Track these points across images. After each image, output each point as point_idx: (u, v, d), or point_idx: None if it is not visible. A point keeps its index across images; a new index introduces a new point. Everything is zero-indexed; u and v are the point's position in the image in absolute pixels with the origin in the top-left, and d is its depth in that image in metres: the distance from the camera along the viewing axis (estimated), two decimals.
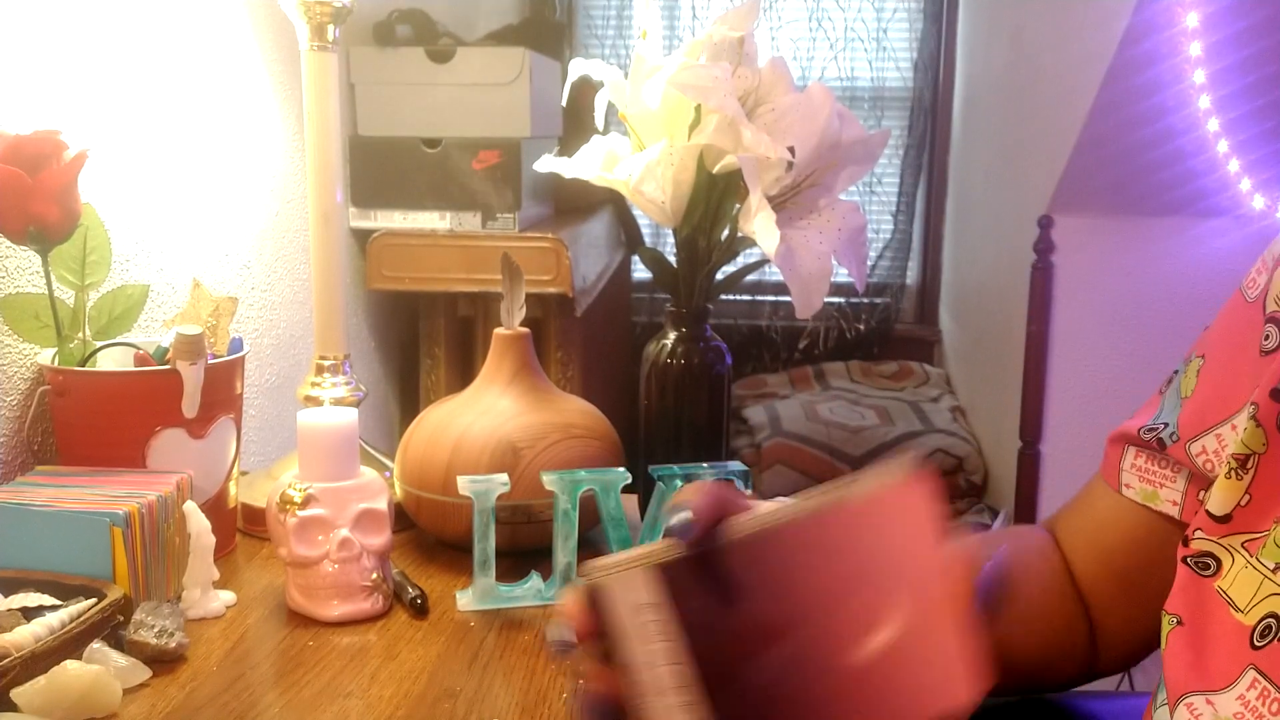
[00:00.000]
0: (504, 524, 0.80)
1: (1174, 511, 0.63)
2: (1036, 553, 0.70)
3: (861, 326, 3.01)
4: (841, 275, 0.84)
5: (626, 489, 0.79)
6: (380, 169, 1.51)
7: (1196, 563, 0.56)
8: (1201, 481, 0.61)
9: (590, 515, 0.80)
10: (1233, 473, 0.55)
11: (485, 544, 0.76)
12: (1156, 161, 2.02)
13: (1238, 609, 0.52)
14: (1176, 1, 1.75)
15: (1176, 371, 0.66)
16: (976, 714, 0.67)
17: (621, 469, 0.79)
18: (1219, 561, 0.54)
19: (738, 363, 2.94)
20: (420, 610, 0.76)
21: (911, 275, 3.09)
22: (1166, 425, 0.63)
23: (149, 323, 1.00)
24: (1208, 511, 0.56)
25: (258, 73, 1.23)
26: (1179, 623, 0.55)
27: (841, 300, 2.98)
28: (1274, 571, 0.51)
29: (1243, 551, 0.53)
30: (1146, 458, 0.65)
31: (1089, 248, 2.22)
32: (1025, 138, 2.37)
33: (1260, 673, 0.49)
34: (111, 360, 0.85)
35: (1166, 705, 0.54)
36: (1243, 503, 0.54)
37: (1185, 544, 0.57)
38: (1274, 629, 0.49)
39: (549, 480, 0.76)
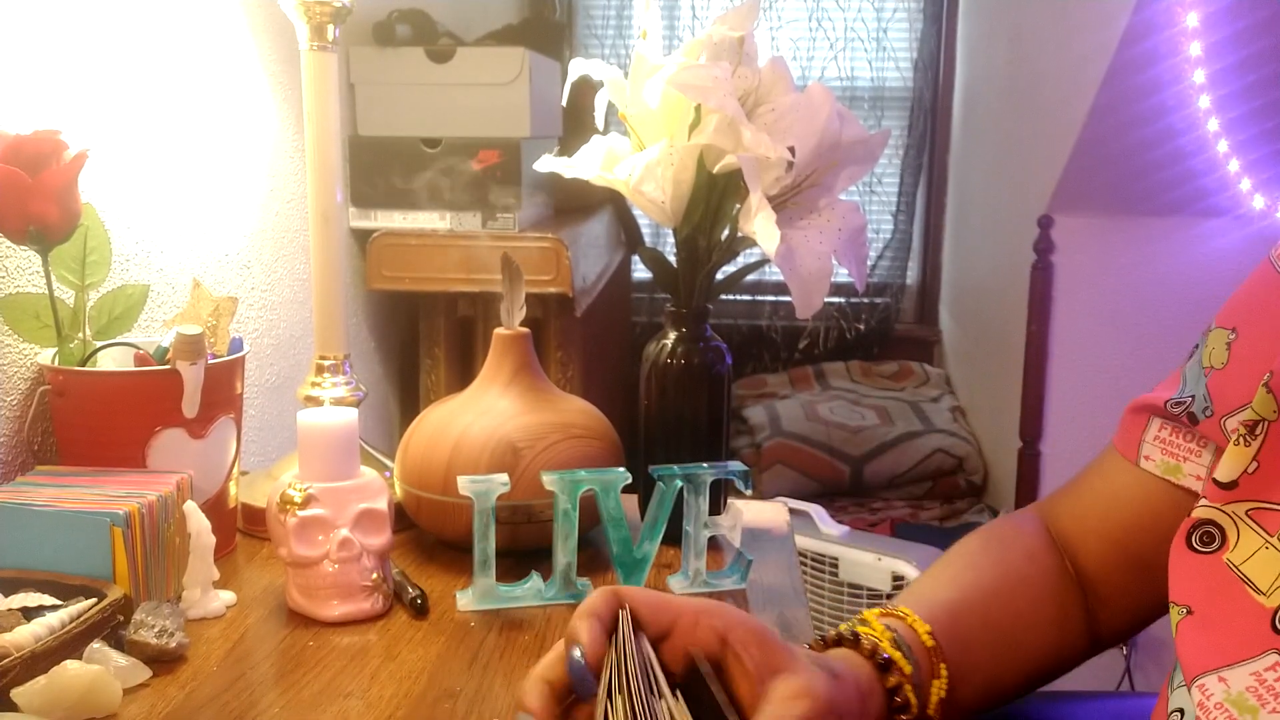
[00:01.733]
0: (504, 524, 0.80)
1: (1197, 486, 0.62)
2: (1024, 559, 0.69)
3: (861, 326, 3.01)
4: (841, 275, 0.84)
5: (626, 489, 0.79)
6: (380, 169, 1.51)
7: (1200, 537, 0.55)
8: None
9: (590, 515, 0.80)
10: (1241, 439, 0.53)
11: (485, 544, 0.76)
12: (1156, 161, 2.02)
13: (1259, 591, 0.51)
14: (1176, 1, 1.75)
15: (1197, 346, 0.65)
16: (980, 718, 0.67)
17: (621, 469, 0.79)
18: (1223, 532, 0.54)
19: (738, 363, 2.94)
20: (420, 610, 0.76)
21: (911, 275, 3.09)
22: (1194, 398, 0.62)
23: (149, 323, 1.00)
24: (1214, 479, 0.55)
25: (257, 73, 1.23)
26: (1189, 612, 0.54)
27: (841, 300, 2.98)
28: None
29: (1249, 521, 0.52)
30: (1172, 430, 0.64)
31: (1089, 248, 2.22)
32: (1025, 138, 2.37)
33: None
34: (111, 360, 0.85)
35: (1184, 687, 0.53)
36: (1250, 470, 0.53)
37: (1189, 515, 0.56)
38: None
39: (549, 480, 0.76)
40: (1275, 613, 0.50)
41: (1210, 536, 0.54)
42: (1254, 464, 0.53)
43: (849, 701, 0.54)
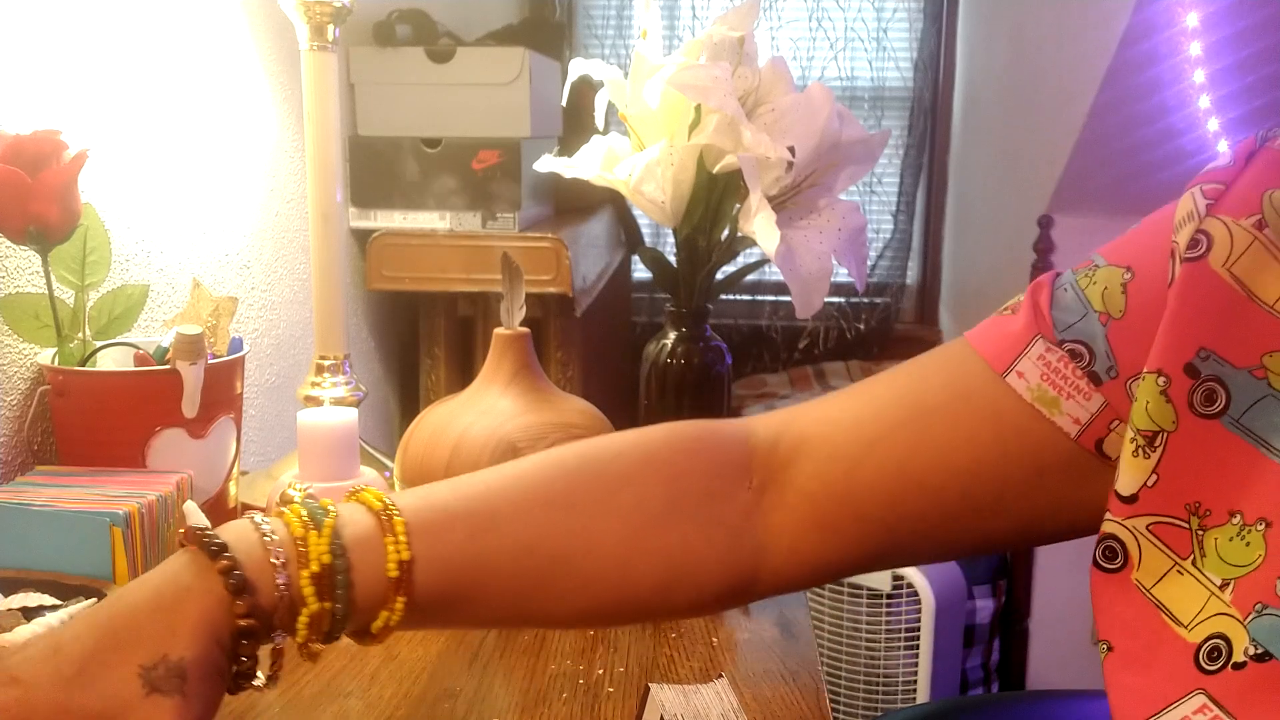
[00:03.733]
0: None
1: (1071, 430, 0.53)
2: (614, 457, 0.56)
3: (861, 326, 3.00)
4: (841, 275, 0.84)
5: None
6: (380, 169, 1.51)
7: (1104, 552, 0.51)
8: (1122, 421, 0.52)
9: None
10: (1140, 450, 0.50)
11: None
12: (1156, 161, 2.02)
13: (1180, 623, 0.48)
14: (1176, 1, 1.75)
15: (1068, 273, 0.56)
16: (974, 711, 0.66)
17: None
18: (1125, 549, 0.50)
19: (738, 363, 2.94)
20: None
21: (911, 275, 3.09)
22: (1093, 352, 0.53)
23: (149, 323, 1.00)
24: (1115, 492, 0.51)
25: (257, 73, 1.23)
26: (1109, 649, 0.51)
27: (841, 300, 2.98)
28: (1221, 589, 0.47)
29: (1151, 536, 0.49)
30: (1064, 362, 0.54)
31: (1089, 248, 2.20)
32: (1025, 138, 2.37)
33: (1213, 700, 0.45)
34: (111, 360, 0.85)
35: None
36: (1149, 483, 0.50)
37: (1099, 538, 0.52)
38: (1224, 652, 0.45)
39: None
40: (1199, 648, 0.46)
41: (1113, 552, 0.51)
42: (1153, 476, 0.50)
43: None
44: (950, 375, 0.57)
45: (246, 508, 0.91)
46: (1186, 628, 0.48)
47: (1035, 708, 0.74)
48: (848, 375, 2.98)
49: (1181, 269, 0.51)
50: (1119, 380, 0.53)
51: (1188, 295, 0.50)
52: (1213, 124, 1.92)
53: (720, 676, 0.53)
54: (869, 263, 2.96)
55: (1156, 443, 0.50)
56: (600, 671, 0.69)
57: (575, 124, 1.69)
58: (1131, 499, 0.50)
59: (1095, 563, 0.52)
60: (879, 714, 1.98)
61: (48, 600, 0.68)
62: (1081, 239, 2.21)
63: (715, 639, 0.74)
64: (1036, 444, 0.54)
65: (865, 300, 3.00)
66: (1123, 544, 0.51)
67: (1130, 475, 0.51)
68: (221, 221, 1.17)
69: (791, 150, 0.82)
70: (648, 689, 0.52)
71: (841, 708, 2.01)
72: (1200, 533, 0.49)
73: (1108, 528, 0.51)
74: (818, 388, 2.91)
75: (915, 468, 0.55)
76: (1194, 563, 0.48)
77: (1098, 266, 0.56)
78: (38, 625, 0.64)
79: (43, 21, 0.89)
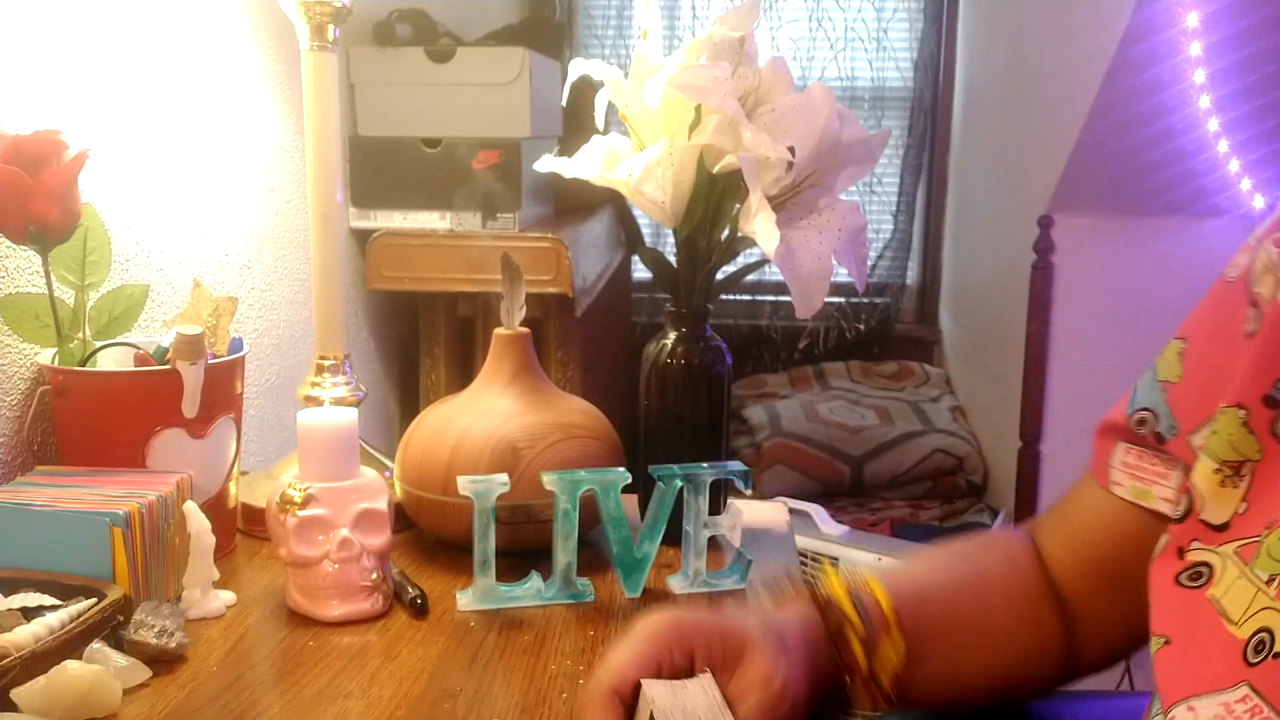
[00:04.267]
0: (504, 524, 0.80)
1: (1167, 509, 0.62)
2: (1005, 562, 0.69)
3: (861, 326, 3.00)
4: (841, 275, 0.84)
5: (626, 489, 0.79)
6: (380, 169, 1.51)
7: (1190, 575, 0.55)
8: None
9: (590, 515, 0.80)
10: (1227, 481, 0.54)
11: (485, 544, 0.76)
12: (1156, 161, 2.02)
13: (1231, 621, 0.51)
14: (1176, 1, 1.75)
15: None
16: (975, 711, 0.67)
17: (621, 469, 0.79)
18: (1211, 570, 0.54)
19: (738, 363, 2.94)
20: (420, 610, 0.76)
21: (911, 275, 3.09)
22: (1156, 415, 0.62)
23: (149, 323, 1.00)
24: (1204, 521, 0.55)
25: (257, 73, 1.23)
26: (1166, 642, 0.54)
27: (841, 300, 2.98)
28: (1268, 584, 0.50)
29: (1235, 559, 0.53)
30: (1138, 454, 0.63)
31: (1089, 248, 2.22)
32: (1025, 138, 2.37)
33: (1254, 689, 0.48)
34: (111, 360, 0.85)
35: (1161, 716, 0.53)
36: (1240, 510, 0.53)
37: (1180, 556, 0.56)
38: (1268, 644, 0.49)
39: (549, 480, 0.76)
40: (1246, 644, 0.49)
41: (1199, 574, 0.54)
42: (1244, 505, 0.53)
43: (796, 661, 0.56)
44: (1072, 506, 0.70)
45: (246, 508, 0.91)
46: (1237, 624, 0.50)
47: (1036, 708, 0.74)
48: (848, 375, 2.98)
49: (1269, 309, 0.55)
50: (1180, 437, 0.60)
51: (1270, 335, 0.54)
52: (1213, 124, 1.92)
53: (705, 671, 0.55)
54: (869, 263, 2.96)
55: (1243, 471, 0.53)
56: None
57: (575, 124, 1.69)
58: (1223, 527, 0.54)
59: (1177, 582, 0.55)
60: (879, 714, 1.97)
61: (48, 600, 0.68)
62: (1081, 239, 2.21)
63: None
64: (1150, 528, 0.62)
65: (865, 300, 3.00)
66: (1211, 567, 0.54)
67: (1220, 505, 0.54)
68: (221, 221, 1.17)
69: (791, 150, 0.81)
70: (639, 685, 0.54)
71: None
72: (1265, 539, 0.51)
73: (1197, 556, 0.55)
74: (817, 387, 2.91)
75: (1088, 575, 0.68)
76: (1252, 566, 0.51)
77: (1168, 342, 0.63)
78: (38, 625, 0.64)
79: (43, 21, 0.89)
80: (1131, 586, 0.61)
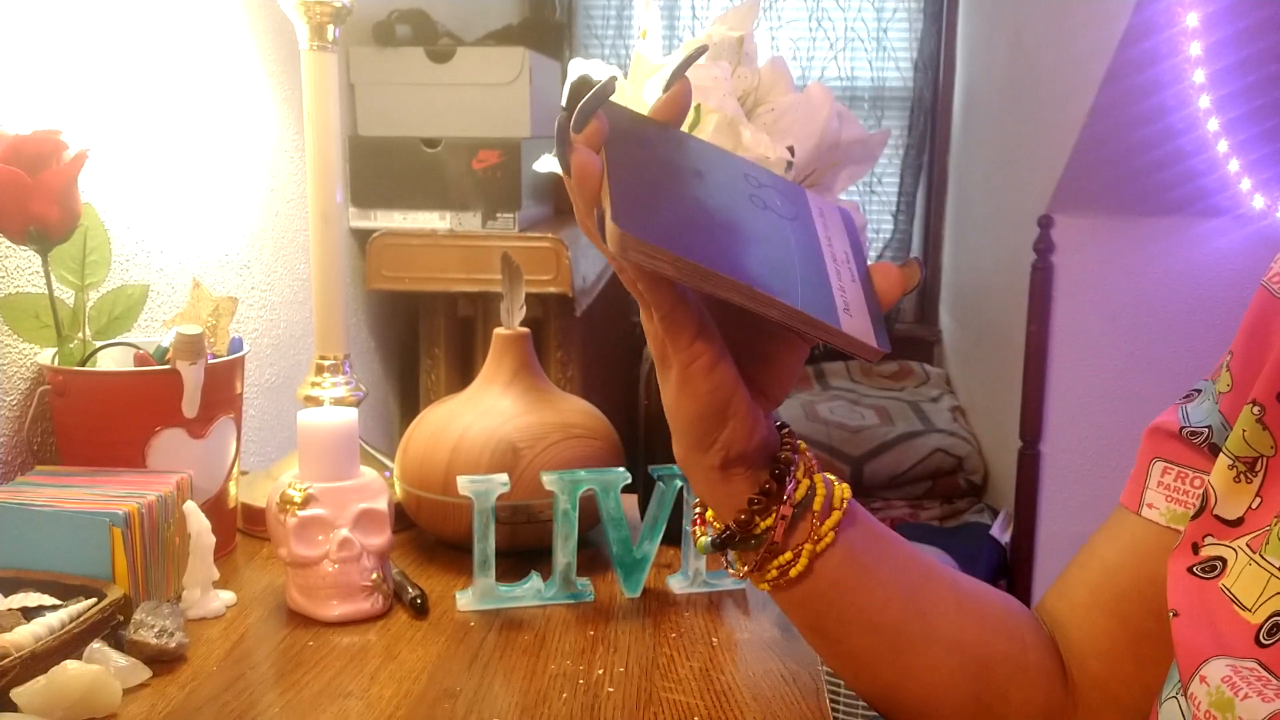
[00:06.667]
0: (504, 524, 0.80)
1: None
2: (1000, 601, 0.65)
3: None
4: None
5: (626, 489, 0.79)
6: (380, 169, 1.51)
7: (1203, 568, 0.55)
8: None
9: (590, 515, 0.80)
10: (1241, 476, 0.54)
11: (485, 544, 0.76)
12: (1156, 161, 2.02)
13: (1244, 607, 0.51)
14: (1176, 1, 1.75)
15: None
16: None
17: (621, 469, 0.79)
18: (1225, 563, 0.54)
19: None
20: (420, 610, 0.76)
21: None
22: (1211, 429, 0.60)
23: (149, 323, 1.00)
24: (1218, 517, 0.55)
25: (257, 73, 1.23)
26: (1175, 614, 0.54)
27: None
28: (1279, 569, 0.50)
29: (1246, 550, 0.53)
30: (1176, 475, 0.61)
31: (1089, 248, 2.22)
32: (1025, 138, 2.37)
33: (1264, 667, 0.49)
34: (111, 360, 0.85)
35: (1173, 698, 0.53)
36: (1254, 505, 0.54)
37: (1195, 551, 0.55)
38: None
39: (549, 480, 0.76)
40: (1259, 629, 0.49)
41: (1213, 568, 0.54)
42: (1258, 500, 0.53)
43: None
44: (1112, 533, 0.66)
45: (246, 508, 0.91)
46: (1250, 610, 0.50)
47: None
48: (848, 375, 2.98)
49: None
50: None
51: None
52: (1213, 124, 1.92)
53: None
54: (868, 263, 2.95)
55: (1257, 468, 0.54)
56: (600, 671, 0.69)
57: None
58: (1236, 522, 0.54)
59: (1190, 571, 0.55)
60: (879, 714, 1.97)
61: (48, 600, 0.68)
62: (1081, 239, 2.21)
63: (715, 639, 0.74)
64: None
65: None
66: (1224, 561, 0.54)
67: (1234, 501, 0.54)
68: (221, 221, 1.17)
69: (791, 150, 0.81)
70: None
71: (841, 708, 2.01)
72: (1276, 526, 0.52)
73: (1212, 551, 0.55)
74: (817, 387, 2.91)
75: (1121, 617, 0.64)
76: (1262, 552, 0.52)
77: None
78: (38, 625, 0.64)
79: (43, 21, 0.89)
80: (1159, 637, 0.58)
